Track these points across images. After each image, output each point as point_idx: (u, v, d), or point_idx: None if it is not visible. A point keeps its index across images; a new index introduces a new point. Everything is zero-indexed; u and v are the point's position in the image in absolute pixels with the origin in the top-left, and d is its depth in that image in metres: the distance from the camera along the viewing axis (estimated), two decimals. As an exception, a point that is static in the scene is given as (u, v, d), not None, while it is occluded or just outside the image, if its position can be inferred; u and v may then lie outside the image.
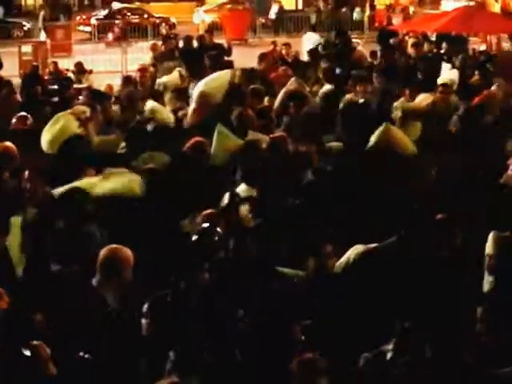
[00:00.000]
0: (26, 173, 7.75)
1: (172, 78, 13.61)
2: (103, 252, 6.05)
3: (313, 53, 16.46)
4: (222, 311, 5.89)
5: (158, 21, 36.35)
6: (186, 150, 8.86)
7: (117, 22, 35.42)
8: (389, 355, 5.52)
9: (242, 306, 5.94)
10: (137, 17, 37.81)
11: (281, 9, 38.06)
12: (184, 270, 6.07)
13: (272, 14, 37.57)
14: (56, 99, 12.72)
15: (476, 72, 14.20)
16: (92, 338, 5.55)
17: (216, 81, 11.32)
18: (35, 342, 5.01)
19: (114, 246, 6.11)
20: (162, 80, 13.51)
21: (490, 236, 6.79)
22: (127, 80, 13.54)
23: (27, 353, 4.95)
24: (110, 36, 33.02)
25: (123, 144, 9.58)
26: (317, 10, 37.63)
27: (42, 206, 7.42)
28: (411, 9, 39.29)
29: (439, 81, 13.22)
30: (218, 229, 6.50)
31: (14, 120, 10.31)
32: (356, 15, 37.01)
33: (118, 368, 5.50)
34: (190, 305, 5.89)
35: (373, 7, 38.46)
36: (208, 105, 10.78)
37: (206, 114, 10.52)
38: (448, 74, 14.05)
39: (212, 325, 5.71)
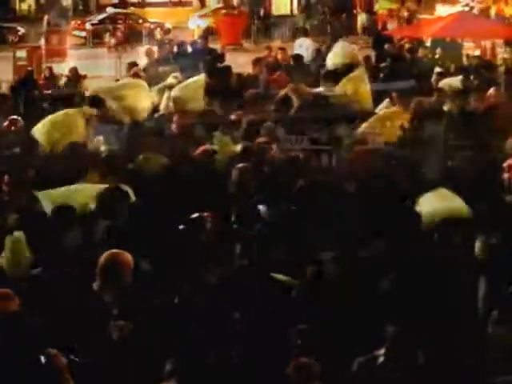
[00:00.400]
0: (6, 177, 7.78)
1: (168, 83, 13.65)
2: (104, 256, 6.13)
3: (298, 57, 16.61)
4: (223, 314, 5.95)
5: (152, 26, 36.37)
6: (196, 156, 8.96)
7: (110, 27, 35.48)
8: (380, 360, 5.53)
9: (240, 310, 5.99)
10: (132, 22, 37.82)
11: (266, 14, 38.03)
12: (188, 271, 6.16)
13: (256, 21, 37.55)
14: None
15: (471, 77, 14.27)
16: (92, 341, 5.57)
17: (191, 86, 11.52)
18: (51, 350, 5.03)
19: (115, 250, 6.18)
20: (159, 85, 13.56)
21: (478, 242, 6.81)
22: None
23: (43, 359, 4.96)
24: (113, 41, 33.01)
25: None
26: (321, 13, 37.57)
27: (22, 211, 7.47)
28: (405, 13, 39.13)
29: (441, 85, 13.33)
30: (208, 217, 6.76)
31: (5, 123, 10.50)
32: (362, 20, 36.96)
33: (119, 370, 5.52)
34: (194, 307, 5.98)
35: (373, 13, 38.35)
36: (187, 109, 10.94)
37: (189, 119, 10.63)
38: (450, 79, 14.12)
39: (213, 327, 5.76)
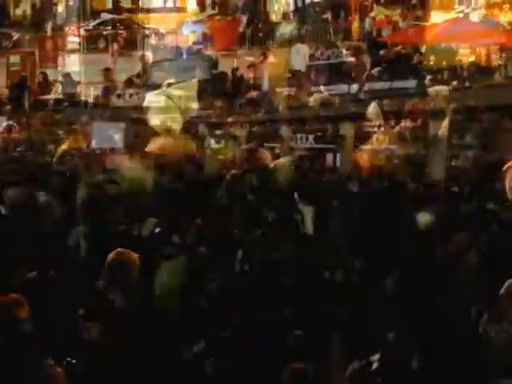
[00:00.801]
0: None
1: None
2: (110, 255, 6.28)
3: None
4: (223, 317, 6.03)
5: (147, 32, 36.38)
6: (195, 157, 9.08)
7: (105, 32, 35.50)
8: (375, 365, 5.52)
9: (239, 314, 5.99)
10: (127, 28, 37.83)
11: (262, 20, 38.07)
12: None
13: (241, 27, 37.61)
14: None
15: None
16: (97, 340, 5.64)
17: (186, 87, 11.75)
18: (49, 361, 5.05)
19: (120, 249, 6.32)
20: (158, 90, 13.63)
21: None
22: (107, 90, 13.80)
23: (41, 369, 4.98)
24: (115, 46, 32.99)
25: None
26: (325, 20, 37.58)
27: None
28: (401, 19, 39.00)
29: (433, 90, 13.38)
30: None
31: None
32: (366, 26, 36.91)
33: (121, 369, 5.54)
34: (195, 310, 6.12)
35: (372, 18, 38.28)
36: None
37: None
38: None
39: (212, 331, 5.77)
